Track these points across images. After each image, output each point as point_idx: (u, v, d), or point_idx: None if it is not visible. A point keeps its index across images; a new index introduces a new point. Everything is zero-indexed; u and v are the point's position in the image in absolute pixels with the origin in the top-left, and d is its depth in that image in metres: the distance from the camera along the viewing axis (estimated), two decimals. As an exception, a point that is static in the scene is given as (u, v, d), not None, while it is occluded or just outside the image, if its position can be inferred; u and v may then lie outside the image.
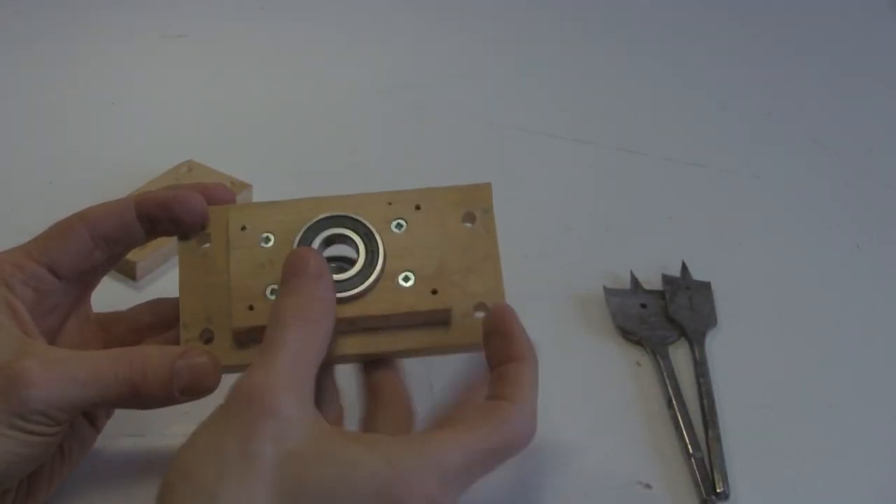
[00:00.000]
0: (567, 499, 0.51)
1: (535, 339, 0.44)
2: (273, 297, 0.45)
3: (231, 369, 0.45)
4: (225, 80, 0.85)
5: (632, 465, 0.53)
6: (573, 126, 0.82)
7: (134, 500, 0.49)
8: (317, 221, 0.47)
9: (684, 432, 0.54)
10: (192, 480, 0.36)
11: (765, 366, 0.60)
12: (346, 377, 0.47)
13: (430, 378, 0.54)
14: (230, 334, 0.46)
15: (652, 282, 0.65)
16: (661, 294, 0.63)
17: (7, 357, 0.41)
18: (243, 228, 0.47)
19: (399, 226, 0.47)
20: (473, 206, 0.48)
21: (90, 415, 0.48)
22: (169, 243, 0.60)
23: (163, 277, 0.63)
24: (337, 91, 0.85)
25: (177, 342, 0.46)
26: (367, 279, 0.46)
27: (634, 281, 0.64)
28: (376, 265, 0.46)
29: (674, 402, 0.56)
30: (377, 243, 0.46)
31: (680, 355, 0.60)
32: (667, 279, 0.64)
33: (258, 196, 0.68)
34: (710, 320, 0.62)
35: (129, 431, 0.51)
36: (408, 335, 0.46)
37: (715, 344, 0.61)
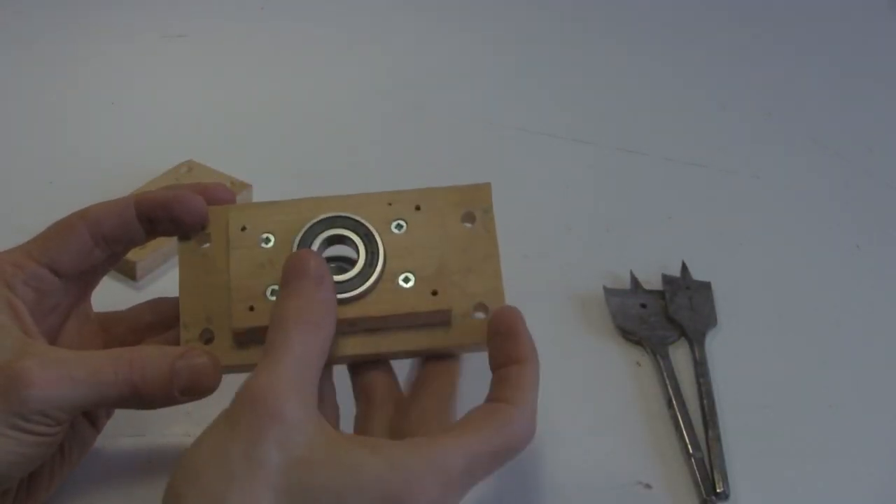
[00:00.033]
0: (567, 499, 0.51)
1: (534, 339, 0.44)
2: (273, 298, 0.45)
3: (231, 369, 0.45)
4: (225, 80, 0.85)
5: (632, 465, 0.53)
6: (573, 126, 0.82)
7: (134, 500, 0.49)
8: (317, 222, 0.47)
9: (684, 432, 0.54)
10: (198, 485, 0.36)
11: (765, 366, 0.60)
12: (336, 375, 0.47)
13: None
14: (230, 334, 0.46)
15: (652, 282, 0.64)
16: (661, 294, 0.63)
17: (7, 357, 0.41)
18: (243, 229, 0.47)
19: (399, 226, 0.47)
20: (473, 206, 0.48)
21: (90, 415, 0.48)
22: (169, 243, 0.60)
23: (163, 277, 0.63)
24: (337, 91, 0.85)
25: (177, 342, 0.46)
26: (367, 280, 0.45)
27: (634, 281, 0.64)
28: (376, 266, 0.46)
29: (674, 402, 0.56)
30: (377, 244, 0.46)
31: (680, 355, 0.60)
32: (667, 279, 0.64)
33: (258, 196, 0.68)
34: (710, 320, 0.62)
35: (129, 431, 0.51)
36: (408, 336, 0.46)
37: (715, 344, 0.61)
